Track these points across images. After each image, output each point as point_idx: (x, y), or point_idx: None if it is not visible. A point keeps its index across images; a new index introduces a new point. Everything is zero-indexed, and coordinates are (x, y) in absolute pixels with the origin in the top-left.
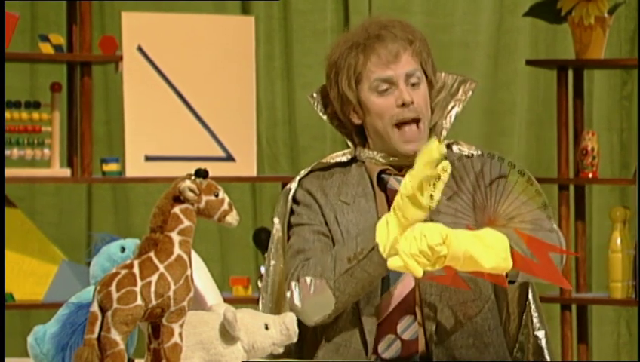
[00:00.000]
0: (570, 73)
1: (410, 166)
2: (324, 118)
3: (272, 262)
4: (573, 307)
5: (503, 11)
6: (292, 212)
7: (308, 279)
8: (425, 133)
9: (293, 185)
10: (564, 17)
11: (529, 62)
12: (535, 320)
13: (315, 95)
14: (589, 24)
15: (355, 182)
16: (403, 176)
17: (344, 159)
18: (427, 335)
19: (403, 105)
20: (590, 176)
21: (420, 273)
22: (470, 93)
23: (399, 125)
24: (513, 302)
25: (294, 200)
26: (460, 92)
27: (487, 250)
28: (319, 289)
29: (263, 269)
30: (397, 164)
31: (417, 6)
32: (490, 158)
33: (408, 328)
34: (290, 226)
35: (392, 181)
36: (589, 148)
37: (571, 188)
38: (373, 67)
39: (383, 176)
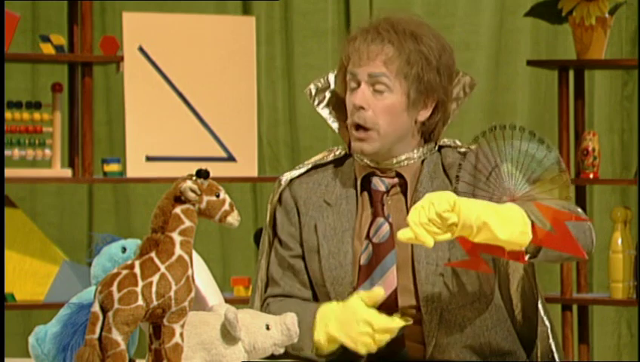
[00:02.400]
0: (571, 73)
1: (394, 170)
2: (321, 112)
3: (263, 241)
4: (574, 307)
5: (504, 12)
6: (275, 214)
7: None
8: (375, 138)
9: (284, 179)
10: (565, 18)
11: (530, 63)
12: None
13: (312, 88)
14: (589, 24)
15: (342, 181)
16: (389, 177)
17: (337, 156)
18: (427, 339)
19: (353, 107)
20: (591, 176)
21: (430, 242)
22: (469, 91)
23: (352, 126)
24: (514, 288)
25: (280, 198)
26: (460, 91)
27: (504, 221)
28: None
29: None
30: (382, 167)
31: (418, 7)
32: (531, 136)
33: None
34: (275, 232)
35: (374, 181)
36: (590, 149)
37: (572, 188)
38: (350, 64)
39: (370, 177)
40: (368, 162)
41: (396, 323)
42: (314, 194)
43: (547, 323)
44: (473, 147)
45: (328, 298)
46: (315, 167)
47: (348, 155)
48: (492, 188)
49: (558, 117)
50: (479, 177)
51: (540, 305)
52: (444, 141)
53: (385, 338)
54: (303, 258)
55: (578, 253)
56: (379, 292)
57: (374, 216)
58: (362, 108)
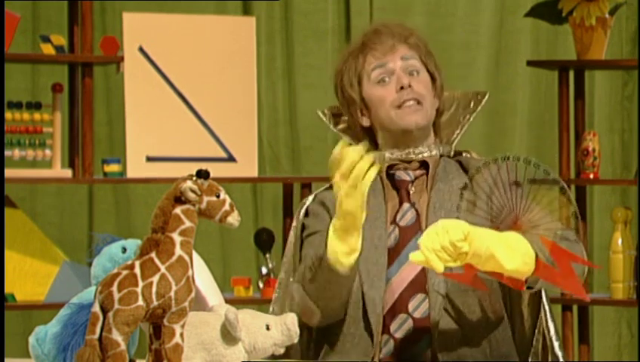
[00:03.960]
0: (572, 74)
1: (416, 160)
2: (335, 130)
3: (281, 275)
4: (575, 308)
5: (504, 12)
6: (303, 227)
7: (295, 285)
8: (428, 115)
9: (308, 200)
10: (566, 18)
11: (530, 63)
12: (551, 329)
13: (326, 111)
14: (590, 25)
15: None
16: (412, 169)
17: None
18: (431, 322)
19: (401, 88)
20: (591, 176)
21: (440, 268)
22: (482, 102)
23: (399, 107)
24: (525, 303)
25: (306, 212)
26: (472, 103)
27: (511, 252)
28: (301, 298)
29: (264, 270)
30: (404, 158)
31: (418, 7)
32: (530, 165)
33: (419, 306)
34: (302, 241)
35: (399, 173)
36: (590, 149)
37: (572, 188)
38: (372, 61)
39: (391, 171)
40: (391, 156)
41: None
42: None
43: (555, 339)
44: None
45: (357, 281)
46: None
47: None
48: (508, 205)
49: (558, 117)
50: (494, 191)
51: (549, 321)
52: (460, 150)
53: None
54: None
55: (580, 294)
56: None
57: (400, 202)
58: (410, 85)
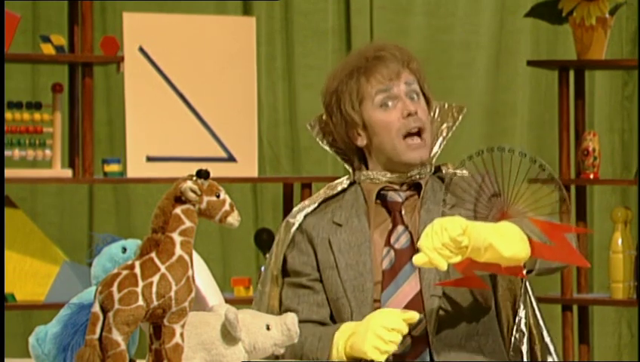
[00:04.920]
0: (572, 74)
1: (407, 183)
2: (324, 145)
3: (265, 288)
4: (575, 308)
5: (504, 12)
6: (286, 259)
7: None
8: (428, 144)
9: (297, 221)
10: (566, 18)
11: (530, 63)
12: (541, 323)
13: (312, 123)
14: (590, 25)
15: (349, 205)
16: (404, 190)
17: (345, 185)
18: (428, 326)
19: (409, 115)
20: (591, 176)
21: (444, 266)
22: (460, 118)
23: (405, 136)
24: (511, 301)
25: (293, 240)
26: (450, 117)
27: (506, 239)
28: None
29: (263, 270)
30: (396, 181)
31: (418, 7)
32: (532, 163)
33: (417, 326)
34: (286, 271)
35: (391, 194)
36: (591, 149)
37: (572, 188)
38: (376, 84)
39: (382, 192)
40: (388, 178)
41: (403, 317)
42: (322, 221)
43: (552, 349)
44: (462, 172)
45: (347, 309)
46: (324, 201)
47: (350, 185)
48: (494, 208)
49: (558, 117)
50: (482, 196)
51: (537, 313)
52: (438, 163)
53: (394, 337)
54: (321, 280)
55: (581, 262)
56: (413, 315)
57: (394, 224)
58: (416, 112)
